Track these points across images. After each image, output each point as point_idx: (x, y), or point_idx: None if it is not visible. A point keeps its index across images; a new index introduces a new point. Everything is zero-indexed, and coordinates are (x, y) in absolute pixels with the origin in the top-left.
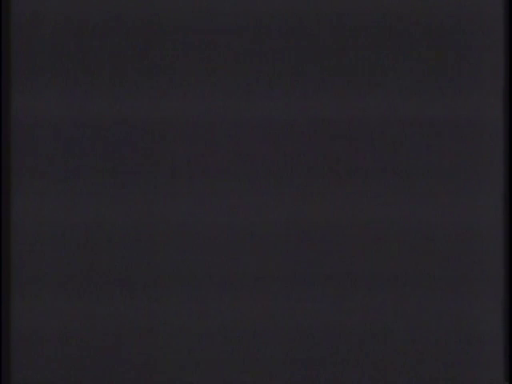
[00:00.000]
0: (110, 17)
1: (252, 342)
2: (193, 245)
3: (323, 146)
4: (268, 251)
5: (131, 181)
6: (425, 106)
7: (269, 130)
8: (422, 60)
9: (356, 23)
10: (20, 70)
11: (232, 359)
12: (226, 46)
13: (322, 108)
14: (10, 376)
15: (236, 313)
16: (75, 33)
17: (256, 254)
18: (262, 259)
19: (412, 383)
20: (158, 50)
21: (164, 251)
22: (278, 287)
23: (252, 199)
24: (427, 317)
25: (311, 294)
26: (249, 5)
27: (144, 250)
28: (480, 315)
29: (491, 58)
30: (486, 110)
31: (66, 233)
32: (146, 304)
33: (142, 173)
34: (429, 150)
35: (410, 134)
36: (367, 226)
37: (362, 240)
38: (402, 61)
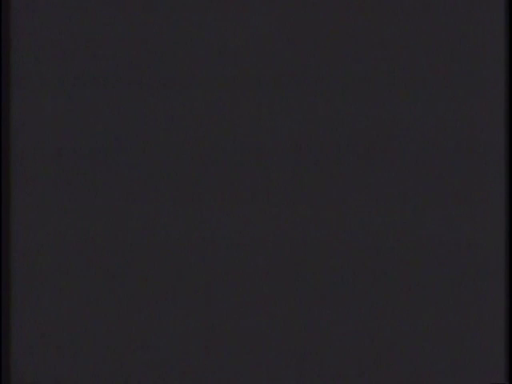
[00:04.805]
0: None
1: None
2: (191, 253)
3: (327, 156)
4: (271, 260)
5: (131, 185)
6: (425, 113)
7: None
8: (423, 67)
9: (356, 27)
10: (20, 72)
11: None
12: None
13: (322, 115)
14: (9, 376)
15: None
16: (75, 34)
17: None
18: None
19: (413, 382)
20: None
21: (163, 258)
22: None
23: (255, 213)
24: (429, 318)
25: (317, 296)
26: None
27: (143, 254)
28: (481, 316)
29: (492, 73)
30: (487, 118)
31: (66, 237)
32: (146, 308)
33: (141, 178)
34: (431, 161)
35: (411, 142)
36: (370, 232)
37: (366, 246)
38: (402, 67)
